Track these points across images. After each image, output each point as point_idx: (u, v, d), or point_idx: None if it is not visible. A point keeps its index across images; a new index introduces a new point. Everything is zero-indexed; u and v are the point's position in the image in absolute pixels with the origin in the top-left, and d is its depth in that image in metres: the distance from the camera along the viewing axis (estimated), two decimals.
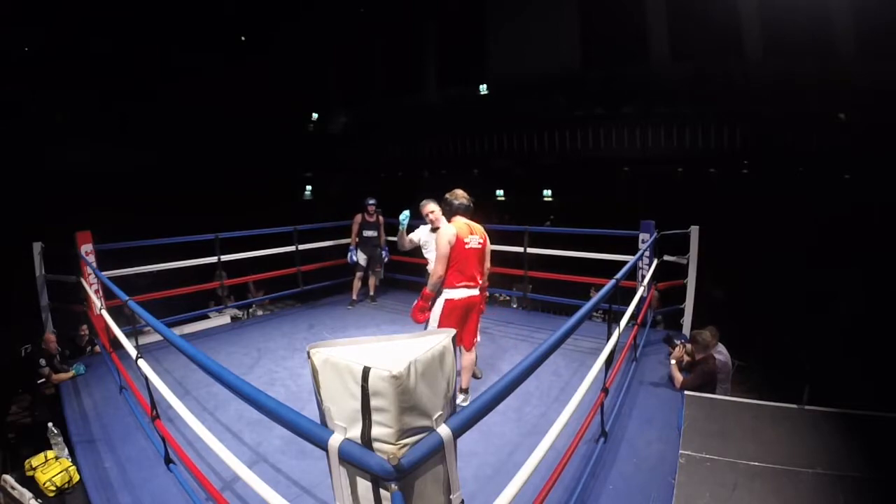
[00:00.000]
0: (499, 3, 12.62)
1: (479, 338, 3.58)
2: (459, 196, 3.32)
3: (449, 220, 3.34)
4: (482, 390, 1.48)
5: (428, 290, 3.21)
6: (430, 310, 3.25)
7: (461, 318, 3.26)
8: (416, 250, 4.22)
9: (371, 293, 6.28)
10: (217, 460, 2.53)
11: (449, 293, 3.22)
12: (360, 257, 6.01)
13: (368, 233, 5.94)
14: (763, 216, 8.70)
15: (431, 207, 3.63)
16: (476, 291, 3.29)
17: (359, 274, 6.12)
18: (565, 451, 2.42)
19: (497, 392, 1.44)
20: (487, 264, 3.47)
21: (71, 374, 4.12)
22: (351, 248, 6.00)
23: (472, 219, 3.35)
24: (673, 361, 3.87)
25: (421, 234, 4.16)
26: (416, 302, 3.27)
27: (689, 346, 3.96)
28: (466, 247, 3.19)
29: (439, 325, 3.21)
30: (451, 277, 3.20)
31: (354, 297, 6.20)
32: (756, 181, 9.57)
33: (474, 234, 3.26)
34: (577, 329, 2.05)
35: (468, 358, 3.46)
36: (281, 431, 1.66)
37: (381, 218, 6.00)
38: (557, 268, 5.87)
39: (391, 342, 1.35)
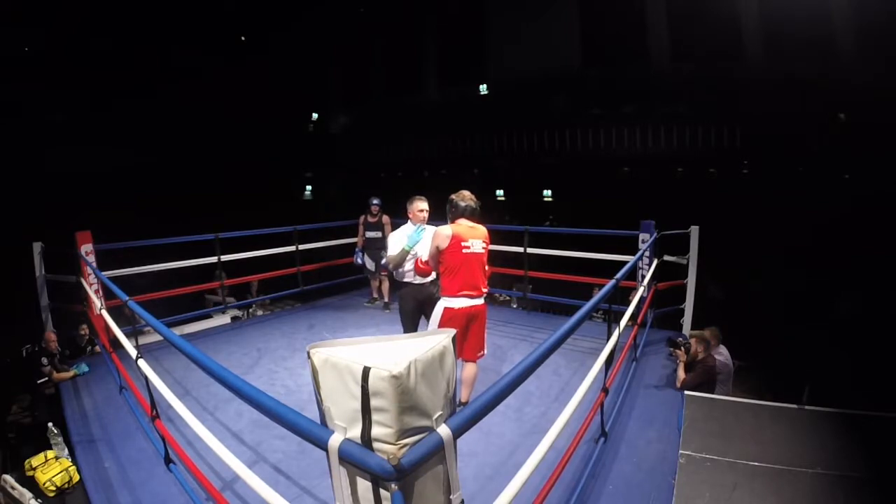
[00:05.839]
0: (499, 3, 12.63)
1: (485, 351, 3.29)
2: (466, 198, 3.11)
3: (453, 223, 3.12)
4: (482, 390, 1.48)
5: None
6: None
7: (461, 328, 3.02)
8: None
9: (385, 299, 5.92)
10: (217, 460, 2.52)
11: (448, 301, 3.03)
12: (368, 262, 5.81)
13: (371, 234, 5.78)
14: (763, 216, 8.70)
15: (425, 206, 3.55)
16: (479, 301, 3.09)
17: (372, 282, 6.05)
18: (565, 451, 2.42)
19: (497, 392, 1.44)
20: (486, 268, 3.25)
21: (72, 373, 4.11)
22: (357, 249, 5.89)
23: (477, 221, 3.16)
24: (681, 361, 3.84)
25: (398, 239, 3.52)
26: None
27: (691, 342, 3.95)
28: (465, 251, 2.99)
29: None
30: (451, 285, 3.01)
31: (374, 294, 6.10)
32: (756, 181, 9.57)
33: (477, 238, 3.06)
34: (577, 329, 2.04)
35: (469, 370, 3.21)
36: (281, 431, 1.66)
37: (386, 218, 5.77)
38: (557, 268, 5.86)
39: (391, 342, 1.35)
